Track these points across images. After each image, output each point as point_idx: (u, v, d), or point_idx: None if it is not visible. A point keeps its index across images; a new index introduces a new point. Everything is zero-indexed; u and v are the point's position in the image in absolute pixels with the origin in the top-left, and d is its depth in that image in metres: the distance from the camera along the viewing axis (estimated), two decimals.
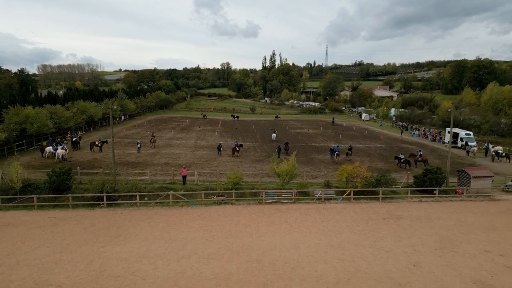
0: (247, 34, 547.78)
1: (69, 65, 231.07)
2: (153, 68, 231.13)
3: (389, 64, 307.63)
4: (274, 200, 24.51)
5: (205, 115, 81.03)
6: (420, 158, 35.04)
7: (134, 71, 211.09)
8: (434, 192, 25.32)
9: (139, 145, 38.26)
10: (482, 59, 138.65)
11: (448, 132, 51.05)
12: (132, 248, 16.76)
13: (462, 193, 26.04)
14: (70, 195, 22.71)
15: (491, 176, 26.49)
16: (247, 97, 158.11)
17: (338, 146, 38.86)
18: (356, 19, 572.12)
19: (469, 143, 44.51)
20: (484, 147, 43.41)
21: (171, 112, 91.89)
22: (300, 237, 18.25)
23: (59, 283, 13.50)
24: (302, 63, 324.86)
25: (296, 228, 19.55)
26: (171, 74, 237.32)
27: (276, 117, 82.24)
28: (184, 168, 27.61)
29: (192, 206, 23.40)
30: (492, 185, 27.26)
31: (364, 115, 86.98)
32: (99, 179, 23.88)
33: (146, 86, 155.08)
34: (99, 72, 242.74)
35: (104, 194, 22.71)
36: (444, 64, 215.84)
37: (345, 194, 24.84)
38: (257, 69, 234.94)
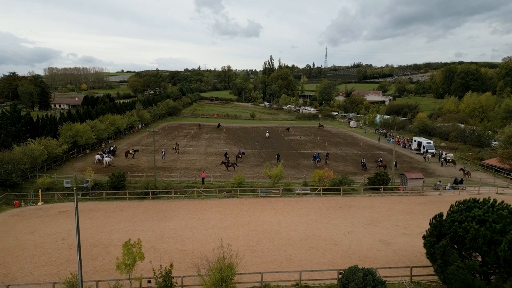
0: (248, 33, 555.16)
1: (75, 68, 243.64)
2: (154, 69, 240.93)
3: (387, 66, 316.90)
4: (266, 195, 34.72)
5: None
6: (380, 164, 45.17)
7: (138, 74, 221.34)
8: (380, 189, 35.55)
9: (163, 153, 48.47)
10: (479, 61, 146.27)
11: (414, 140, 61.34)
12: (176, 223, 27.00)
13: (401, 190, 36.24)
14: (126, 191, 33.05)
15: (422, 178, 36.73)
16: (247, 101, 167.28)
17: (318, 154, 49.05)
18: (358, 18, 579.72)
19: (429, 150, 54.49)
20: (439, 153, 53.43)
21: (179, 118, 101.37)
22: (281, 217, 28.51)
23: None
24: (302, 64, 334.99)
25: (280, 212, 29.79)
26: (174, 77, 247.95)
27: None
28: (203, 172, 37.93)
29: (210, 198, 33.64)
30: (425, 184, 37.53)
31: (352, 122, 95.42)
32: (144, 180, 34.25)
33: (152, 91, 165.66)
34: (103, 74, 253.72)
35: (150, 190, 32.99)
36: (441, 66, 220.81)
37: (316, 191, 35.04)
38: (258, 70, 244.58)
